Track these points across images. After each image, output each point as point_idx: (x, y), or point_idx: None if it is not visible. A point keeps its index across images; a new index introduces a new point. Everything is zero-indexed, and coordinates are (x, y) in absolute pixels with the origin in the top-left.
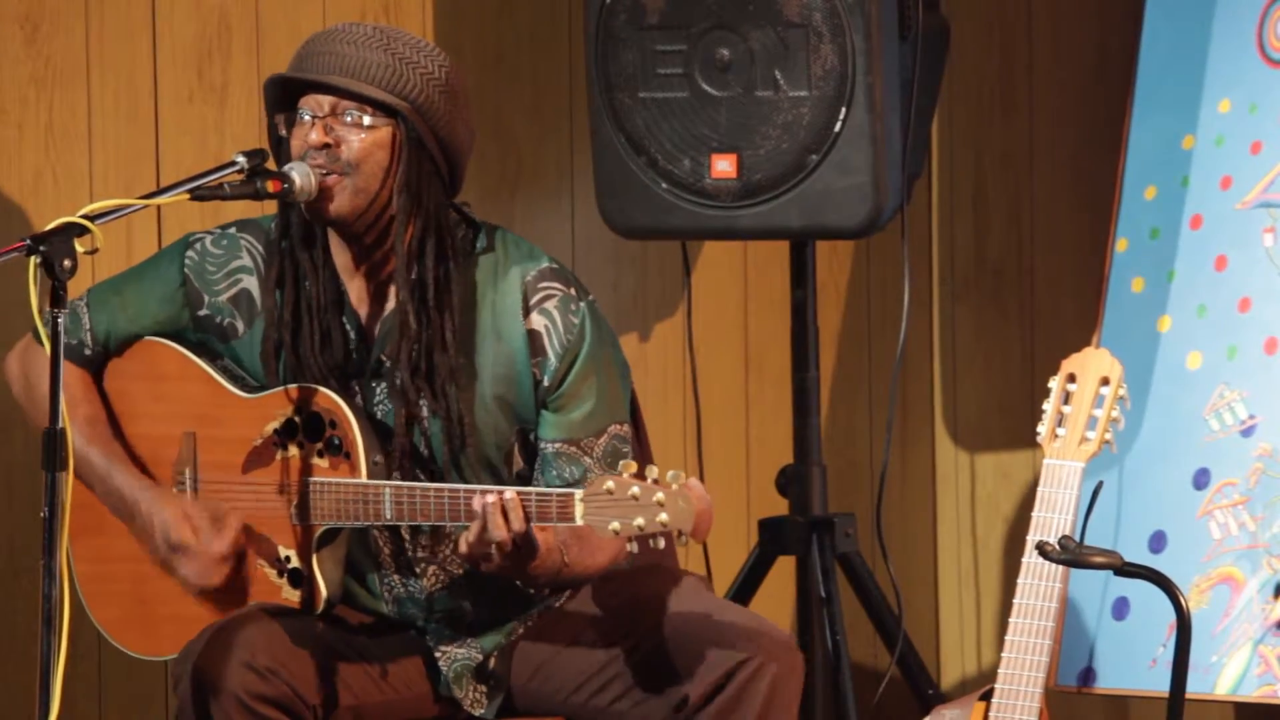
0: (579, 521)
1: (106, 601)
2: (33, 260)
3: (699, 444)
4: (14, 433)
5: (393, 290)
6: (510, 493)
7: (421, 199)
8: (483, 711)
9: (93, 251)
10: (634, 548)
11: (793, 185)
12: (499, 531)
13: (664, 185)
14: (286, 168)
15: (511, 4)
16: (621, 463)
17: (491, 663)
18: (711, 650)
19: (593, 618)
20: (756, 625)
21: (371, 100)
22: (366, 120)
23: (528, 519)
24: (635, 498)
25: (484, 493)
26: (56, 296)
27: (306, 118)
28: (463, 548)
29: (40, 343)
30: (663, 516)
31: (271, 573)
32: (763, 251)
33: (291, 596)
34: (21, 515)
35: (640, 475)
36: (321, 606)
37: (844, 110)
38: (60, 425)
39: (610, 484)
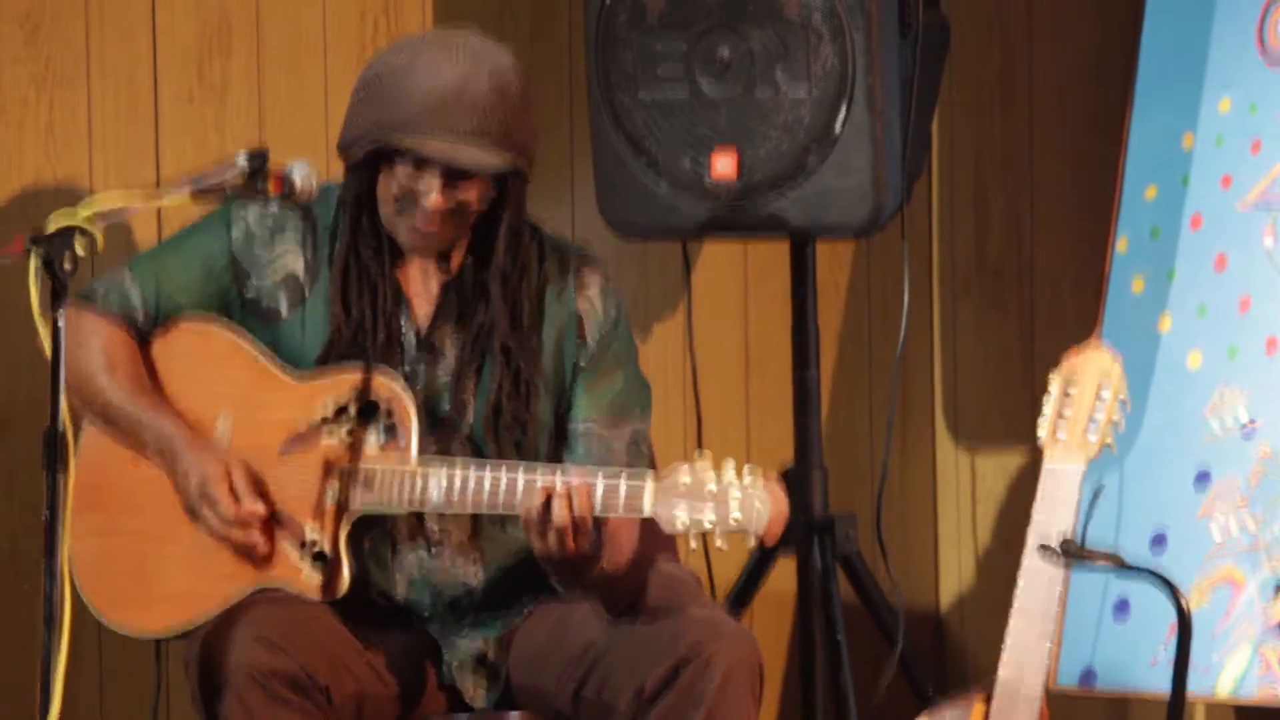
0: (647, 512)
1: (100, 578)
2: (33, 260)
3: (699, 444)
4: (14, 432)
5: (444, 269)
6: (578, 479)
7: (520, 226)
8: (481, 703)
9: (93, 252)
10: (695, 544)
11: (793, 185)
12: (560, 518)
13: (664, 185)
14: (287, 168)
15: (511, 4)
16: (699, 451)
17: (491, 653)
18: (664, 644)
19: (581, 608)
20: (712, 620)
21: (497, 168)
22: (486, 178)
23: (593, 508)
24: (711, 492)
25: (543, 480)
26: (56, 296)
27: (420, 174)
28: (527, 529)
29: (87, 302)
30: (736, 515)
31: (294, 554)
32: (763, 251)
33: (311, 579)
34: (22, 515)
35: (717, 469)
36: (343, 591)
37: (844, 110)
38: (61, 425)
39: (685, 476)
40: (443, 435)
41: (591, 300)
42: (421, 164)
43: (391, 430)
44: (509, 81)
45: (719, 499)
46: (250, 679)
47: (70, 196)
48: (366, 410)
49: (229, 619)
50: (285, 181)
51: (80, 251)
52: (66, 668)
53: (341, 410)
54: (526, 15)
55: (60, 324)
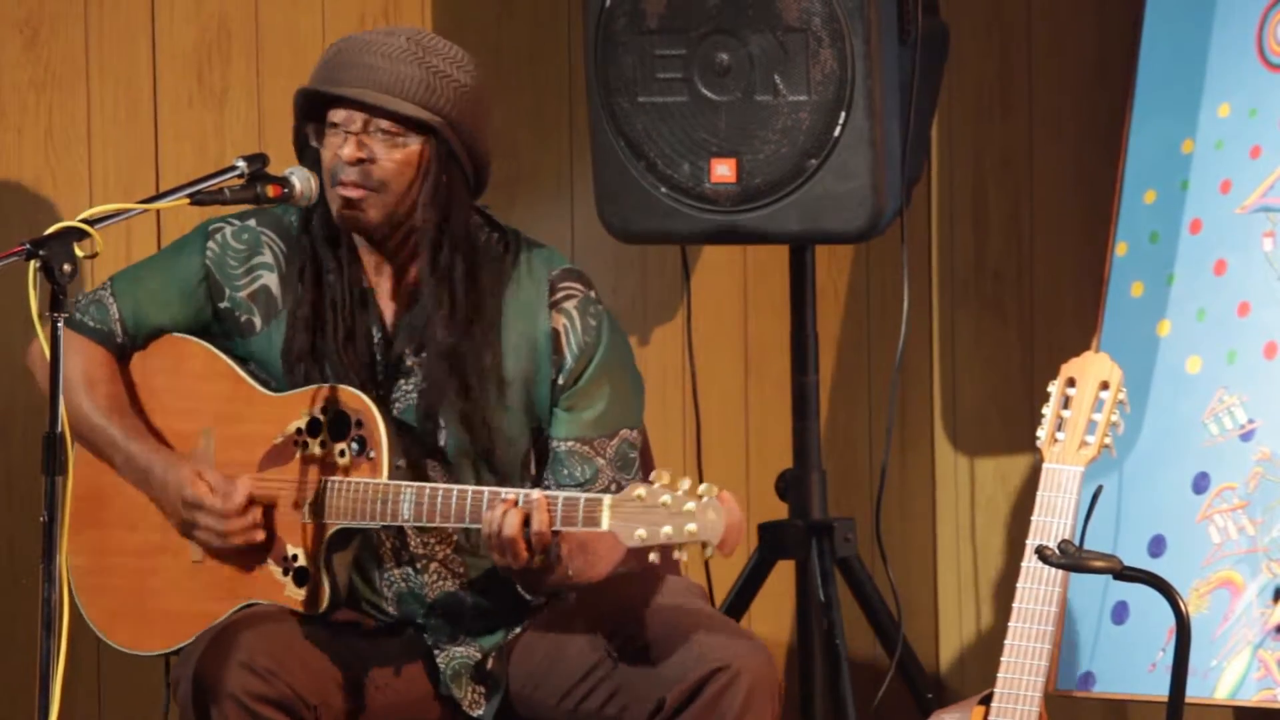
0: (605, 527)
1: (100, 595)
2: (32, 264)
3: (698, 448)
4: (13, 435)
5: (418, 289)
6: (536, 494)
7: (449, 211)
8: (480, 712)
9: (92, 256)
10: (655, 558)
11: (792, 189)
12: (511, 530)
13: (663, 189)
14: (287, 172)
15: (511, 8)
16: (654, 471)
17: (489, 663)
18: (687, 658)
19: (584, 620)
20: (733, 634)
21: (406, 117)
22: (399, 137)
23: (552, 523)
24: (665, 506)
25: (506, 494)
26: (56, 300)
27: (339, 130)
28: (486, 544)
29: (68, 319)
30: (691, 526)
31: (276, 571)
32: (762, 255)
33: (295, 595)
34: (21, 518)
35: (672, 485)
36: (325, 607)
37: (843, 114)
38: (60, 429)
39: (641, 491)
40: (413, 448)
41: (569, 313)
42: (338, 114)
43: (362, 443)
44: (447, 60)
45: (673, 510)
46: (239, 707)
47: (70, 201)
48: (338, 422)
49: (216, 644)
50: (284, 186)
51: (80, 253)
52: (65, 671)
53: (313, 423)
54: (526, 19)
55: (59, 327)
